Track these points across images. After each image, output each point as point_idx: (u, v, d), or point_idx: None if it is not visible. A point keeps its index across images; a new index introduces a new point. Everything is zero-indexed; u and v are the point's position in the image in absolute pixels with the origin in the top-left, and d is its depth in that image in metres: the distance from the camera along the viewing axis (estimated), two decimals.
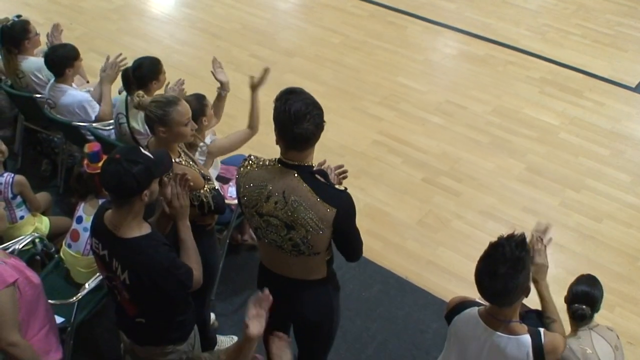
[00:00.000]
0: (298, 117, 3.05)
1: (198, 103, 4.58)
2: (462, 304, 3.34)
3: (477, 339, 3.20)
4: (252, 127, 4.85)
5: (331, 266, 3.57)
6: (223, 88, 5.18)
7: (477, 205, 6.21)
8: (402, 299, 5.29)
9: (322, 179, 3.25)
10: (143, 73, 5.18)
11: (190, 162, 3.86)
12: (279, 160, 3.26)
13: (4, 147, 4.97)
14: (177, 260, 3.24)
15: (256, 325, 3.03)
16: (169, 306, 3.39)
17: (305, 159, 3.22)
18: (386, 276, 5.47)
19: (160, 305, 3.35)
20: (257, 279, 3.81)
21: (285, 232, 3.28)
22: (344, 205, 3.22)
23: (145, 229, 3.20)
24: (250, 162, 3.37)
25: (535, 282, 3.42)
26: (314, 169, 3.29)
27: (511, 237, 2.99)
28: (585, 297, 3.81)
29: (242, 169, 3.37)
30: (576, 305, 3.79)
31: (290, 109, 3.05)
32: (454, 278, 5.42)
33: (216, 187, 3.93)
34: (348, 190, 3.30)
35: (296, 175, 3.20)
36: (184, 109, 3.70)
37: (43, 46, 6.29)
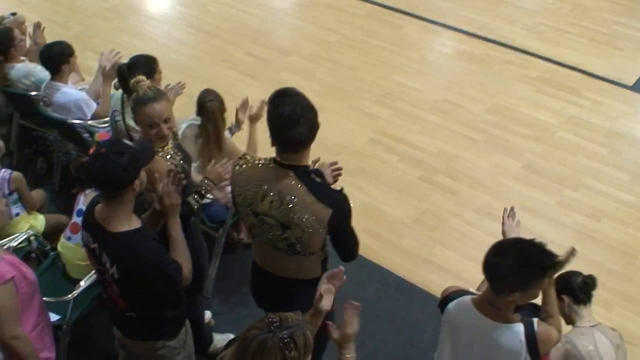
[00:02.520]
0: (292, 122, 3.03)
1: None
2: (456, 293, 3.35)
3: (469, 326, 3.21)
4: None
5: (325, 265, 3.55)
6: (237, 126, 5.21)
7: (473, 204, 6.20)
8: (399, 297, 5.27)
9: (318, 179, 3.24)
10: (138, 71, 5.16)
11: (175, 157, 3.77)
12: (275, 160, 3.24)
13: (1, 144, 4.94)
14: (166, 256, 3.23)
15: (327, 301, 3.01)
16: (158, 301, 3.38)
17: (301, 160, 3.21)
18: (383, 275, 5.46)
19: (149, 300, 3.34)
20: (251, 277, 3.79)
21: (280, 231, 3.26)
22: (340, 206, 3.21)
23: (135, 224, 3.19)
24: (245, 161, 3.36)
25: None
26: (310, 168, 3.28)
27: (544, 245, 3.01)
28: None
29: (237, 167, 3.36)
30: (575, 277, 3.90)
31: (283, 114, 3.04)
32: (452, 276, 5.39)
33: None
34: (344, 190, 3.28)
35: (292, 175, 3.18)
36: (154, 111, 3.58)
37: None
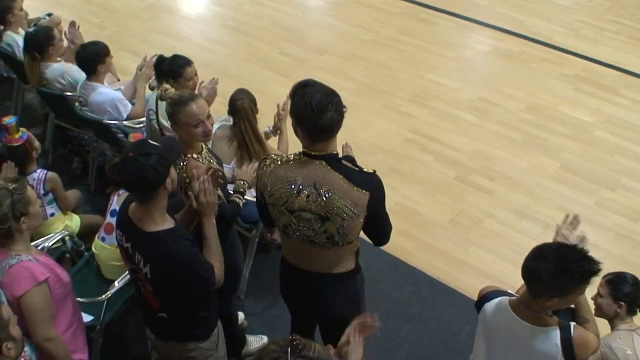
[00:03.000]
0: (320, 109, 3.04)
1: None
2: (494, 293, 3.33)
3: (505, 328, 3.18)
4: (283, 152, 4.89)
5: (358, 258, 3.55)
6: (272, 131, 5.29)
7: (510, 205, 6.12)
8: (433, 299, 5.22)
9: (350, 165, 3.24)
10: (166, 68, 5.18)
11: (211, 161, 3.81)
12: (304, 153, 3.23)
13: (37, 144, 4.96)
14: (199, 256, 3.23)
15: (356, 352, 2.94)
16: (190, 301, 3.38)
17: (329, 148, 3.20)
18: (417, 276, 5.40)
19: (181, 300, 3.34)
20: (280, 276, 3.76)
21: (319, 224, 3.24)
22: (377, 188, 3.22)
23: (168, 224, 3.19)
24: (272, 160, 3.33)
25: None
26: (340, 156, 3.27)
27: (586, 252, 2.98)
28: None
29: (264, 168, 3.33)
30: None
31: (311, 102, 3.04)
32: (487, 278, 5.32)
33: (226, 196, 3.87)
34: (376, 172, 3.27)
35: (324, 164, 3.18)
36: (196, 109, 3.60)
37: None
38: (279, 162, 3.29)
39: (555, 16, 9.41)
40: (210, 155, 3.84)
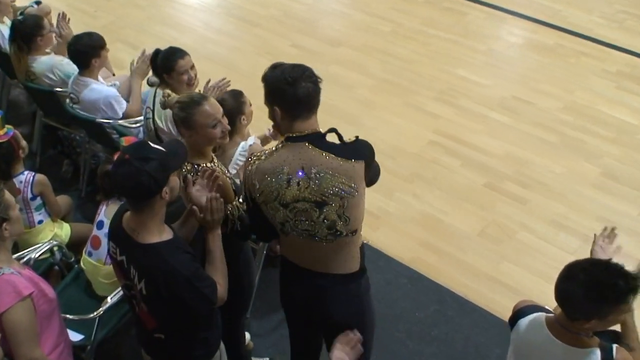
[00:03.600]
0: (295, 78, 3.17)
1: (235, 101, 4.53)
2: (530, 308, 3.31)
3: (539, 348, 3.16)
4: None
5: (364, 259, 3.55)
6: (273, 134, 5.18)
7: (546, 215, 6.09)
8: (460, 320, 5.19)
9: (335, 140, 3.29)
10: (159, 62, 5.18)
11: (224, 170, 3.80)
12: (286, 138, 3.28)
13: (24, 143, 4.96)
14: (200, 271, 3.21)
15: None
16: (189, 321, 3.36)
17: (312, 127, 3.26)
18: (442, 294, 5.38)
19: (179, 320, 3.33)
20: (280, 277, 3.76)
21: (317, 213, 3.25)
22: (367, 152, 3.30)
23: (166, 235, 3.17)
24: (256, 157, 3.36)
25: None
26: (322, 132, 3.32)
27: (621, 267, 2.93)
28: None
29: (249, 167, 3.37)
30: None
31: (283, 74, 3.18)
32: (519, 297, 5.20)
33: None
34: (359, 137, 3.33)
35: (308, 145, 3.22)
36: (211, 109, 3.64)
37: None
38: (263, 157, 3.33)
39: (596, 6, 9.40)
40: (221, 164, 3.84)
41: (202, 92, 4.94)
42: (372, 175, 3.43)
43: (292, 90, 3.16)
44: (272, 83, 3.21)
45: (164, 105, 3.80)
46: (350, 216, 3.28)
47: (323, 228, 3.29)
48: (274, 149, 3.32)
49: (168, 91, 3.83)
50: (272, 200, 3.30)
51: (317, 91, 3.24)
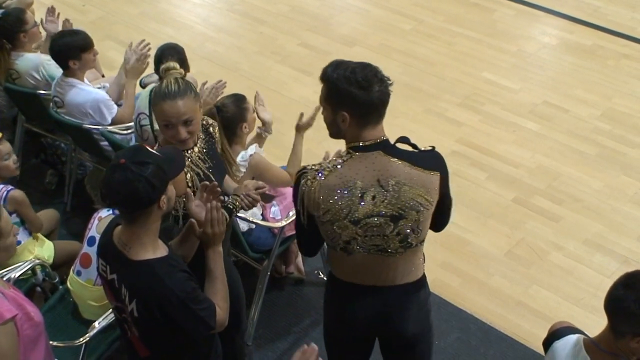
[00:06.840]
0: (368, 81, 3.16)
1: (237, 107, 4.56)
2: (567, 329, 3.36)
3: None
4: (292, 174, 4.61)
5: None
6: (265, 129, 5.15)
7: (580, 234, 6.11)
8: (485, 350, 5.21)
9: (408, 146, 3.36)
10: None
11: (199, 165, 3.79)
12: (353, 148, 3.29)
13: (8, 145, 4.98)
14: (197, 293, 3.20)
15: None
16: (185, 348, 3.37)
17: (380, 134, 3.30)
18: (466, 321, 5.40)
19: (174, 347, 3.34)
20: (329, 303, 3.78)
21: (391, 227, 3.30)
22: (443, 164, 3.41)
23: (160, 251, 3.18)
24: (314, 172, 3.33)
25: None
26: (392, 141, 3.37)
27: None
28: None
29: (308, 182, 3.32)
30: None
31: (354, 74, 3.16)
32: (551, 324, 5.31)
33: None
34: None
35: (382, 154, 3.26)
36: (168, 109, 3.56)
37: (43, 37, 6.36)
38: (327, 172, 3.31)
39: (639, 3, 9.40)
40: (205, 157, 3.82)
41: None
42: (447, 208, 3.53)
43: (365, 95, 3.15)
44: (341, 85, 3.18)
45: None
46: (422, 228, 3.36)
47: (396, 242, 3.35)
48: (338, 160, 3.31)
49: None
50: (341, 219, 3.31)
51: (389, 95, 3.25)
